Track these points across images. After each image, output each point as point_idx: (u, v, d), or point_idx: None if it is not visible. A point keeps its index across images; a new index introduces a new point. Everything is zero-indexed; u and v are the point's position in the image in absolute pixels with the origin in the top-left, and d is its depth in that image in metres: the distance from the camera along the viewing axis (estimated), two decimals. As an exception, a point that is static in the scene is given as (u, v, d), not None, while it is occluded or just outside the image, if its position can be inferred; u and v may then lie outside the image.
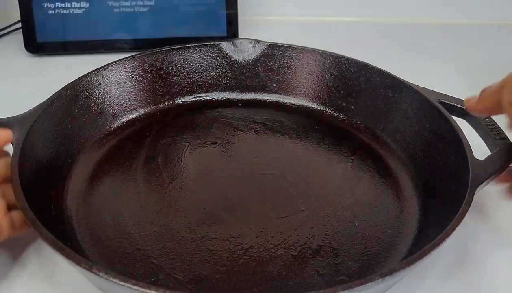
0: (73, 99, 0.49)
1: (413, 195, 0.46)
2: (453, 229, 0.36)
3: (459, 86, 0.58)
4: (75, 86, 0.50)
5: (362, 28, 0.54)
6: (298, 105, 0.58)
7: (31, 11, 0.54)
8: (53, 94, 0.47)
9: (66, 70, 0.48)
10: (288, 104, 0.58)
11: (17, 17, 0.55)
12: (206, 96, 0.58)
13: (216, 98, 0.59)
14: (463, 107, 0.48)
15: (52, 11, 0.63)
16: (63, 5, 0.64)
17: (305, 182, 0.48)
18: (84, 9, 0.64)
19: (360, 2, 0.74)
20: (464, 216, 0.36)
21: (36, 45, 0.64)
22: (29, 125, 0.43)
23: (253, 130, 0.55)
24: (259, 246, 0.41)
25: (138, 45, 0.69)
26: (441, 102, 0.49)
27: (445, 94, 0.50)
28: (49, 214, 0.41)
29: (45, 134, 0.45)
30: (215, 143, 0.53)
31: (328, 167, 0.50)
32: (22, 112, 0.45)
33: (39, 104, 0.46)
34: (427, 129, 0.49)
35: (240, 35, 0.70)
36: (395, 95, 0.53)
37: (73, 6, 0.64)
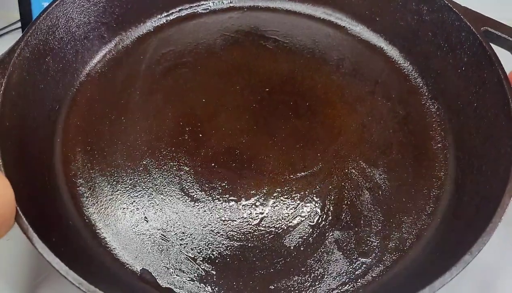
0: (52, 28, 0.41)
1: (445, 150, 0.42)
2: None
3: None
4: (53, 13, 0.41)
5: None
6: (312, 15, 0.50)
7: (31, 11, 0.48)
8: (27, 28, 0.40)
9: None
10: (301, 12, 0.50)
11: (17, 17, 0.51)
12: (205, 3, 0.50)
13: (219, 6, 0.50)
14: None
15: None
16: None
17: (323, 124, 0.43)
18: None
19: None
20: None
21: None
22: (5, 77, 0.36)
23: (262, 50, 0.48)
24: (274, 214, 0.38)
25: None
26: (486, 32, 0.41)
27: (494, 20, 0.42)
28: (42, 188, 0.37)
29: (24, 84, 0.39)
30: (221, 70, 0.46)
31: (347, 102, 0.45)
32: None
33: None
34: (465, 64, 0.42)
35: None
36: (429, 15, 0.45)
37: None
